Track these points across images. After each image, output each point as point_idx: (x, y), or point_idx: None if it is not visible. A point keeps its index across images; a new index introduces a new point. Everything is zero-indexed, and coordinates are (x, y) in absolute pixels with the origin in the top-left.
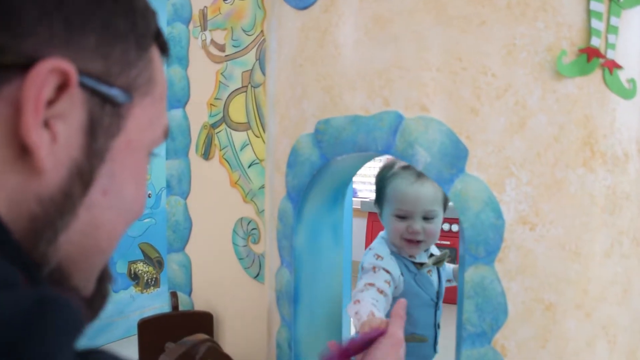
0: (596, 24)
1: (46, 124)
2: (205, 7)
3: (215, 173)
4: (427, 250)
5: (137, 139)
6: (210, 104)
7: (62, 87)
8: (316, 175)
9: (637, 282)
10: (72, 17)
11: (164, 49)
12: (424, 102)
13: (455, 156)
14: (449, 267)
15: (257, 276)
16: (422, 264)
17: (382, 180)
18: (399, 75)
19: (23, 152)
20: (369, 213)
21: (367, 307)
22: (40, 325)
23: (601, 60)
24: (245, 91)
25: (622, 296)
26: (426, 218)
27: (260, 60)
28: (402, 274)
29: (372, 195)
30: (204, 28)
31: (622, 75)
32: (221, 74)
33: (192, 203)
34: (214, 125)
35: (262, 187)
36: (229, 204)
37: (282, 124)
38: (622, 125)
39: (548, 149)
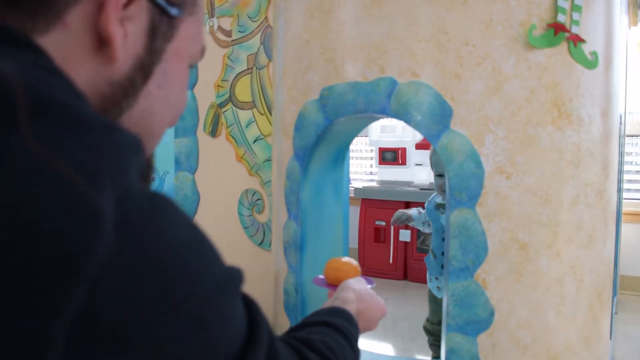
0: (562, 2)
1: (120, 23)
2: None
3: (222, 149)
4: None
5: (183, 48)
6: (218, 85)
7: None
8: (320, 135)
9: (601, 231)
10: None
11: None
12: (414, 69)
13: (442, 115)
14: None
15: (262, 243)
16: (442, 205)
17: (430, 152)
18: (392, 46)
19: (100, 43)
20: (362, 200)
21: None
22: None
23: (566, 35)
24: (251, 73)
25: (587, 241)
26: None
27: (265, 44)
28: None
29: (365, 184)
30: (211, 15)
31: (586, 48)
32: (228, 57)
33: (199, 178)
34: (220, 105)
35: (267, 160)
36: (234, 177)
37: (290, 93)
38: (586, 91)
39: (521, 109)
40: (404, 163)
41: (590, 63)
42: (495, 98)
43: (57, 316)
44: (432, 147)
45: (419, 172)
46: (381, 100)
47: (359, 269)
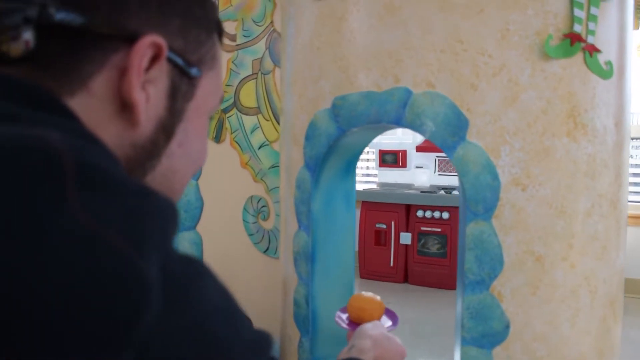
0: (578, 12)
1: (142, 87)
2: None
3: (226, 155)
4: None
5: (203, 104)
6: None
7: (155, 58)
8: (332, 145)
9: (615, 241)
10: (163, 4)
11: (221, 35)
12: (430, 79)
13: (458, 126)
14: None
15: (267, 250)
16: None
17: None
18: (407, 55)
19: (123, 107)
20: (362, 202)
21: None
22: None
23: (582, 44)
24: (256, 78)
25: (601, 252)
26: None
27: (270, 49)
28: None
29: (365, 186)
30: None
31: (601, 58)
32: (232, 62)
33: (203, 184)
34: (225, 110)
35: (272, 166)
36: (239, 184)
37: (300, 101)
38: (601, 101)
39: (537, 120)
40: (404, 165)
41: (605, 73)
42: (511, 109)
43: None
44: None
45: (419, 175)
46: (396, 110)
47: (384, 305)
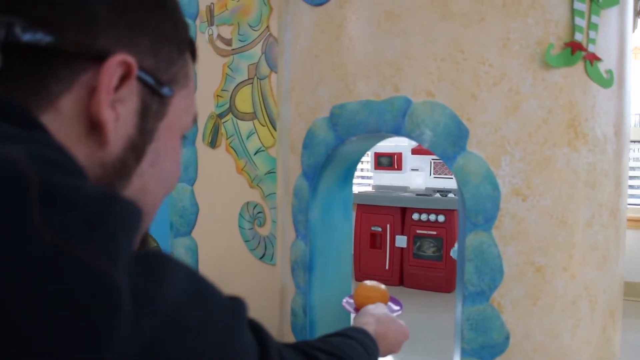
0: (579, 21)
1: (112, 106)
2: (212, 3)
3: (221, 160)
4: None
5: (175, 123)
6: (217, 95)
7: (125, 77)
8: (330, 154)
9: (614, 251)
10: (133, 23)
11: (194, 54)
12: (429, 88)
13: (458, 135)
14: None
15: (263, 257)
16: None
17: None
18: (407, 64)
19: (92, 127)
20: (357, 205)
21: None
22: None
23: (583, 53)
24: (252, 83)
25: (602, 262)
26: None
27: (267, 53)
28: None
29: (361, 188)
30: (210, 23)
31: (601, 67)
32: (228, 66)
33: (198, 189)
34: (220, 115)
35: (268, 172)
36: (235, 190)
37: (298, 109)
38: (602, 110)
39: (538, 130)
40: (399, 168)
41: (606, 82)
42: (512, 118)
43: None
44: None
45: (415, 177)
46: (395, 119)
47: (388, 293)
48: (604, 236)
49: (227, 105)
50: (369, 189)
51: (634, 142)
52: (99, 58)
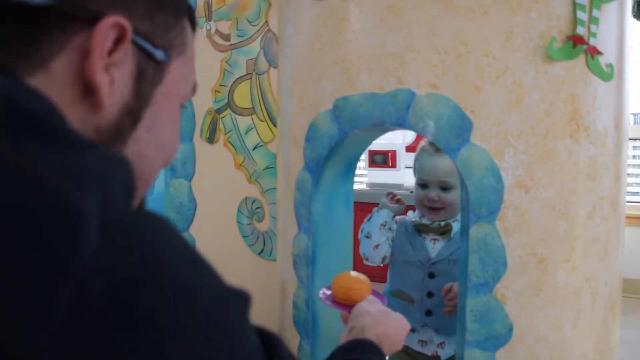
0: (581, 15)
1: (106, 70)
2: None
3: (219, 156)
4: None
5: (172, 90)
6: (215, 91)
7: (119, 40)
8: (334, 147)
9: (615, 243)
10: None
11: (192, 22)
12: (433, 81)
13: (461, 128)
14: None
15: (262, 252)
16: (425, 226)
17: (415, 155)
18: (411, 57)
19: (86, 91)
20: (355, 202)
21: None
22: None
23: (584, 47)
24: (250, 78)
25: (602, 254)
26: (443, 188)
27: (265, 49)
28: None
29: (355, 186)
30: (208, 18)
31: (602, 60)
32: (226, 62)
33: (196, 185)
34: (218, 111)
35: (267, 167)
36: (233, 185)
37: (300, 103)
38: (602, 103)
39: (540, 123)
40: (394, 166)
41: (606, 75)
42: (515, 111)
43: (45, 320)
44: (420, 148)
45: (409, 175)
46: (399, 112)
47: (370, 284)
48: (604, 228)
49: (225, 101)
50: (363, 186)
51: (633, 139)
52: (92, 20)
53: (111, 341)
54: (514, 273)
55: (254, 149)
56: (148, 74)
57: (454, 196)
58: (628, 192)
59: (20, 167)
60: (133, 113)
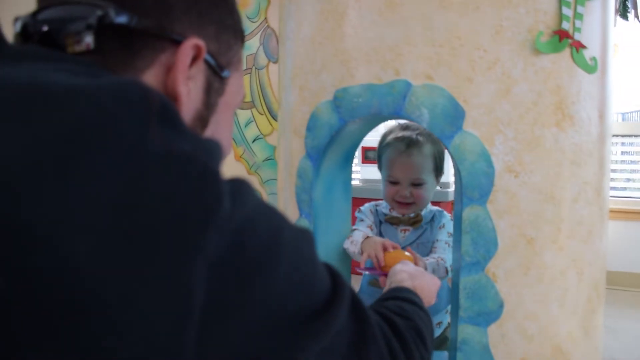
0: (566, 10)
1: (185, 83)
2: None
3: None
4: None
5: (231, 100)
6: None
7: (195, 58)
8: (334, 136)
9: (599, 227)
10: (203, 12)
11: (243, 40)
12: (428, 72)
13: (455, 116)
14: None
15: None
16: (397, 219)
17: (380, 149)
18: (407, 50)
19: None
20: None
21: (359, 234)
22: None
23: (570, 41)
24: (250, 73)
25: (587, 236)
26: (415, 184)
27: (264, 45)
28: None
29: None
30: None
31: (586, 54)
32: None
33: None
34: None
35: (266, 159)
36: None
37: (302, 94)
38: (587, 94)
39: (528, 111)
40: None
41: (590, 68)
42: (504, 101)
43: (202, 251)
44: (385, 141)
45: None
46: (396, 102)
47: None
48: (588, 212)
49: None
50: (357, 182)
51: (621, 136)
52: (176, 41)
53: (252, 262)
54: (504, 253)
55: (253, 141)
56: (214, 87)
57: (424, 190)
58: (615, 187)
59: (167, 148)
60: (203, 119)
